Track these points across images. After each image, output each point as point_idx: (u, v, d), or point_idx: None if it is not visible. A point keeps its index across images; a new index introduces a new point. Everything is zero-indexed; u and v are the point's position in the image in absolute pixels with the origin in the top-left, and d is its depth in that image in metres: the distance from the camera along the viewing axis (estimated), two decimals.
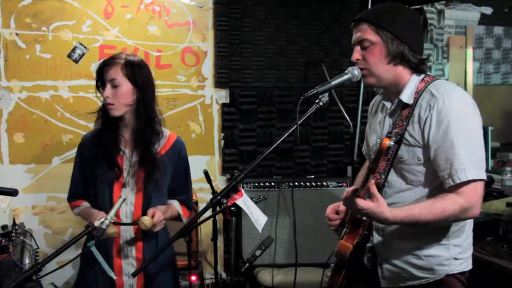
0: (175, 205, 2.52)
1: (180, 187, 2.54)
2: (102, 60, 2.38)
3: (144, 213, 2.34)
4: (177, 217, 2.55)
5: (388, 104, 2.07)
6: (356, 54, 1.97)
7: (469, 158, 1.81)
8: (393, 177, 2.00)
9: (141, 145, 2.37)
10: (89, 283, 2.40)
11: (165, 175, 2.44)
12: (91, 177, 2.39)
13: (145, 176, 2.37)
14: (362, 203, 1.75)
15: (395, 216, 1.78)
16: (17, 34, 3.52)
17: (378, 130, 2.12)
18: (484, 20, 4.29)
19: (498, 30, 4.34)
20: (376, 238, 2.06)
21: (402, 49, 1.92)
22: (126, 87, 2.31)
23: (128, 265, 2.38)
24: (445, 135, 1.83)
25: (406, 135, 1.93)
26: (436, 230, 1.94)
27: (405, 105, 1.97)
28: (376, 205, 1.75)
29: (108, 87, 2.29)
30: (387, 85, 2.01)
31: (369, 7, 3.99)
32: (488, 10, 4.28)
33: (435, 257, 1.96)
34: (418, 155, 1.92)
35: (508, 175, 3.45)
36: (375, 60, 1.94)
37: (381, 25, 1.91)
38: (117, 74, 2.30)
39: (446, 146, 1.83)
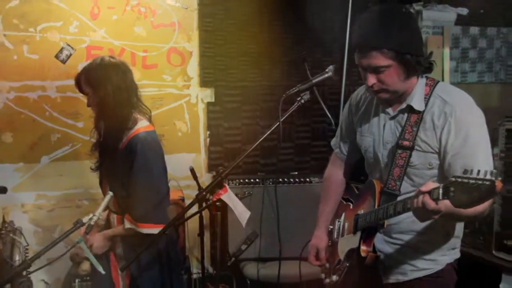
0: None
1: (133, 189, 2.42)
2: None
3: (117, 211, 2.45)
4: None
5: (389, 109, 2.03)
6: (372, 79, 1.91)
7: (486, 164, 1.82)
8: None
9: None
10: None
11: (123, 170, 2.40)
12: None
13: (106, 172, 2.48)
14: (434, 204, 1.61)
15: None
16: (4, 35, 3.55)
17: (376, 133, 2.09)
18: (460, 20, 4.37)
19: (474, 30, 4.43)
20: (377, 235, 2.04)
21: (415, 61, 1.89)
22: None
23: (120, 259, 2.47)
24: (464, 142, 1.85)
25: (418, 141, 1.93)
26: (443, 223, 1.95)
27: (412, 110, 1.96)
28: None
29: None
30: (399, 95, 1.98)
31: (350, 7, 4.06)
32: (464, 11, 4.37)
33: (439, 248, 2.02)
34: (430, 160, 1.93)
35: None
36: (392, 80, 1.90)
37: (391, 47, 1.84)
38: None
39: (464, 152, 1.85)
